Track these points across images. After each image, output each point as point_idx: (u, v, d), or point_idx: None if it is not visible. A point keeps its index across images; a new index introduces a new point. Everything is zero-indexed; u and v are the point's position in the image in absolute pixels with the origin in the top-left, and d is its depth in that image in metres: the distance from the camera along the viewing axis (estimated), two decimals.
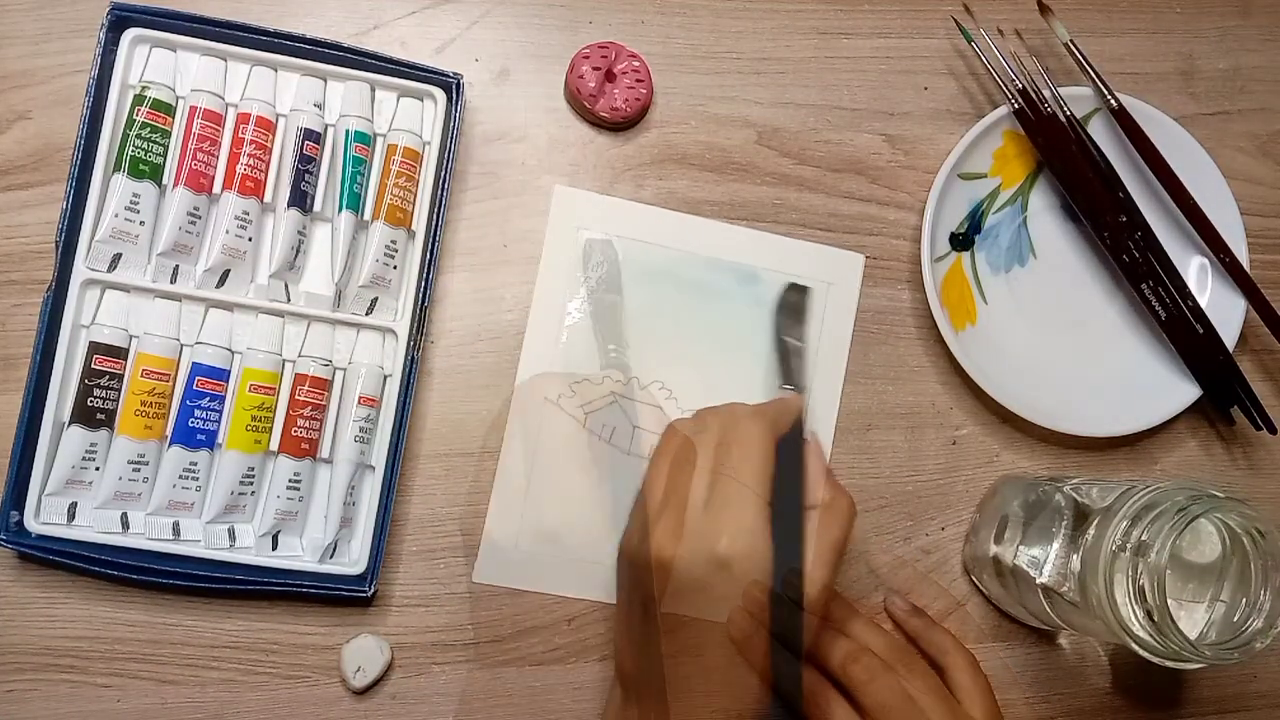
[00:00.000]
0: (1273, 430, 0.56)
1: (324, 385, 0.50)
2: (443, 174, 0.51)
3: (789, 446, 0.43)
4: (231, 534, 0.49)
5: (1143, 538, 0.42)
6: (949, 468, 0.56)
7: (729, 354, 0.55)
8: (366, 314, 0.51)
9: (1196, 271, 0.58)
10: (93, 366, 0.48)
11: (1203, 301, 0.56)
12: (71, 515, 0.48)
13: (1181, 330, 0.56)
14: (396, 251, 0.51)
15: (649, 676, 0.41)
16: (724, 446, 0.41)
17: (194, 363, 0.49)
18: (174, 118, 0.50)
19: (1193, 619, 0.45)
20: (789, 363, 0.47)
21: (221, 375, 0.49)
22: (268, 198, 0.50)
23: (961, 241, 0.57)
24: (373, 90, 0.52)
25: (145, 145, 0.49)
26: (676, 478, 0.42)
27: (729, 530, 0.39)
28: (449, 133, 0.52)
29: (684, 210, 0.55)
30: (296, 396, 0.49)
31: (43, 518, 0.47)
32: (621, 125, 0.55)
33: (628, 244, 0.55)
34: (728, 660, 0.40)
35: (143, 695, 0.49)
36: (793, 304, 0.50)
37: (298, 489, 0.49)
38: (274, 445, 0.49)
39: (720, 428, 0.42)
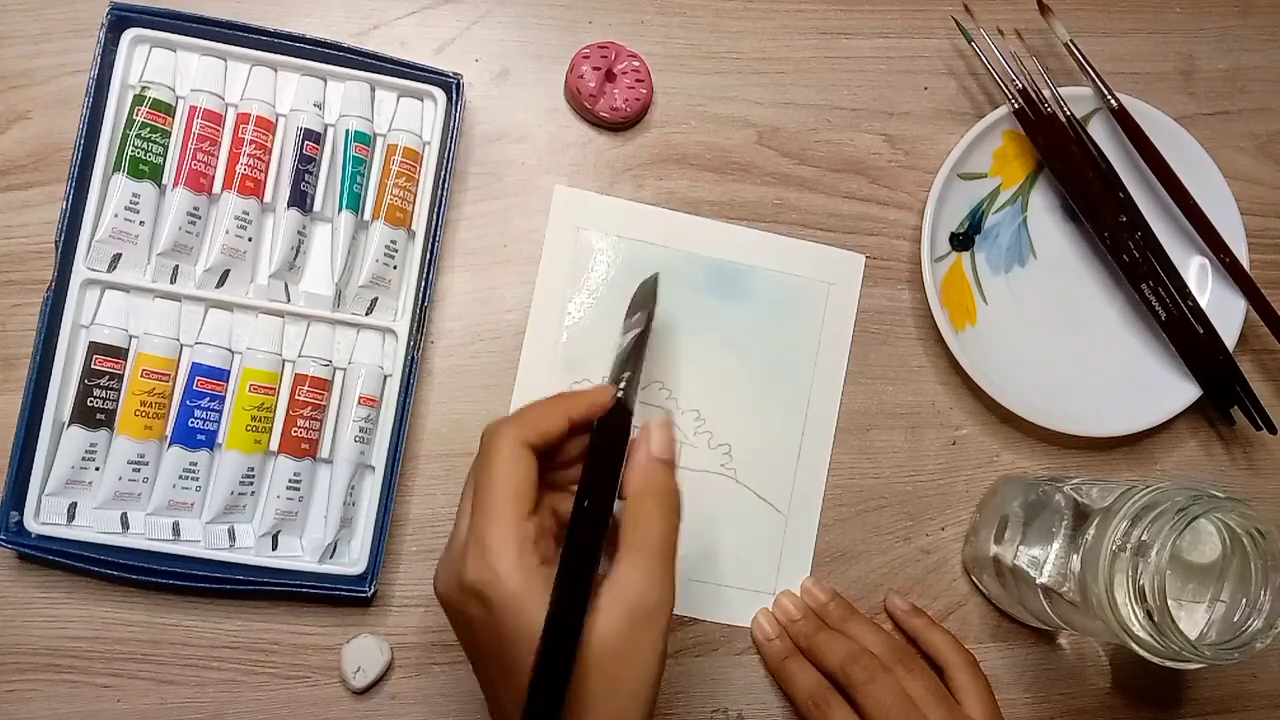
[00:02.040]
0: (1273, 430, 0.56)
1: (324, 385, 0.50)
2: (443, 174, 0.51)
3: (598, 442, 0.38)
4: (231, 534, 0.49)
5: (1143, 538, 0.42)
6: (949, 468, 0.56)
7: (729, 354, 0.55)
8: (366, 314, 0.51)
9: (1196, 271, 0.58)
10: (93, 366, 0.48)
11: (1203, 301, 0.56)
12: (71, 515, 0.48)
13: (1181, 330, 0.56)
14: (396, 251, 0.51)
15: (489, 704, 0.40)
16: (477, 465, 0.38)
17: (194, 363, 0.49)
18: (174, 118, 0.50)
19: (1193, 619, 0.45)
20: (624, 359, 0.41)
21: (221, 375, 0.49)
22: (268, 198, 0.50)
23: (961, 241, 0.57)
24: (373, 90, 0.52)
25: (145, 145, 0.49)
26: (460, 506, 0.39)
27: (472, 556, 0.36)
28: (449, 133, 0.52)
29: (684, 210, 0.55)
30: (296, 396, 0.49)
31: (43, 518, 0.47)
32: (621, 125, 0.55)
33: (628, 244, 0.55)
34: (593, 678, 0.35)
35: (143, 695, 0.49)
36: (647, 296, 0.45)
37: (298, 489, 0.49)
38: (274, 445, 0.49)
39: (481, 444, 0.38)
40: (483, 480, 0.37)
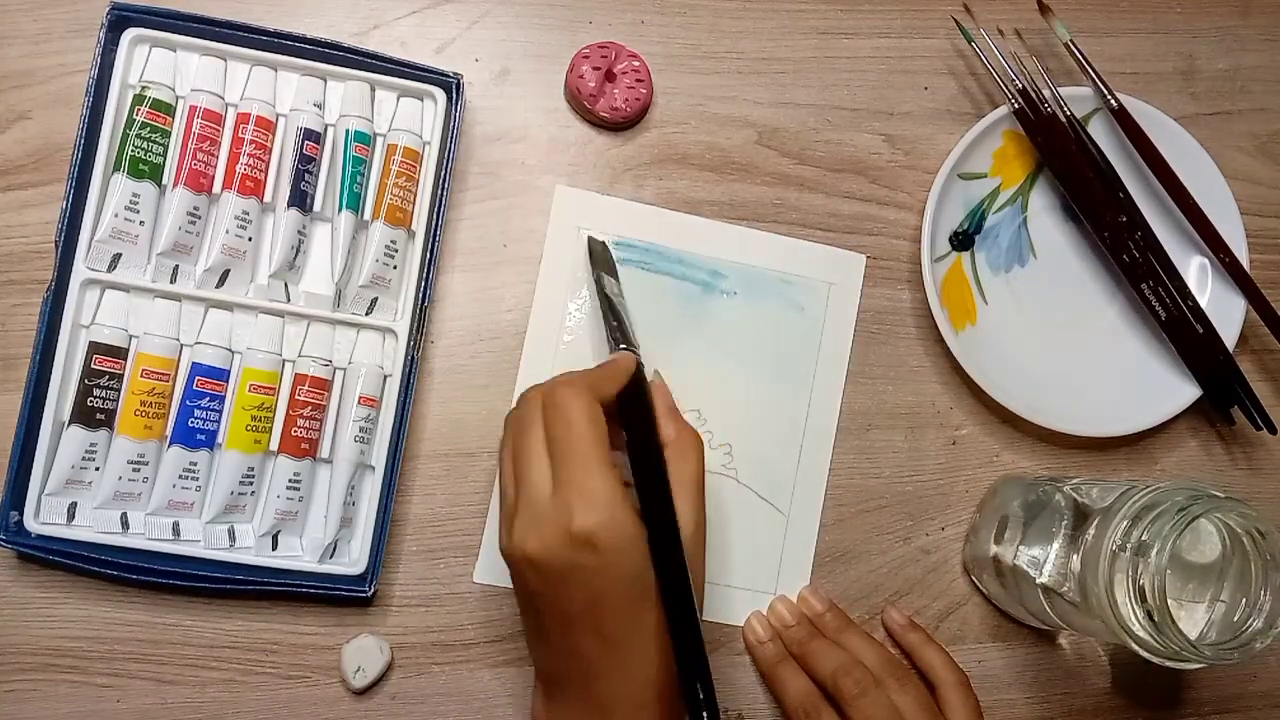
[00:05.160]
0: (1273, 430, 0.56)
1: (324, 385, 0.50)
2: (443, 174, 0.51)
3: (631, 401, 0.42)
4: (231, 534, 0.49)
5: (1143, 538, 0.42)
6: (949, 468, 0.56)
7: (729, 354, 0.55)
8: (366, 314, 0.51)
9: (1196, 271, 0.58)
10: (92, 366, 0.48)
11: (1203, 301, 0.56)
12: (71, 515, 0.48)
13: (1181, 330, 0.56)
14: (396, 251, 0.51)
15: (563, 669, 0.41)
16: (549, 422, 0.40)
17: (194, 363, 0.49)
18: (174, 117, 0.50)
19: (1193, 619, 0.45)
20: (615, 320, 0.46)
21: (221, 375, 0.49)
22: (268, 197, 0.50)
23: (961, 241, 0.57)
24: (373, 90, 0.52)
25: (145, 145, 0.49)
26: (519, 468, 0.40)
27: (579, 505, 0.38)
28: (449, 133, 0.52)
29: (684, 210, 0.55)
30: (296, 396, 0.49)
31: (43, 518, 0.47)
32: (621, 125, 0.55)
33: (628, 244, 0.55)
34: (634, 634, 0.39)
35: (143, 695, 0.49)
36: (603, 256, 0.50)
37: (298, 489, 0.49)
38: (274, 445, 0.49)
39: (540, 404, 0.41)
40: (564, 434, 0.39)
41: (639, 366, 0.44)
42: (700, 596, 0.41)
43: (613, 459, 0.40)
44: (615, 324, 0.46)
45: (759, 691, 0.53)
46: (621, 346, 0.45)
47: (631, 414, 0.42)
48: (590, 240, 0.52)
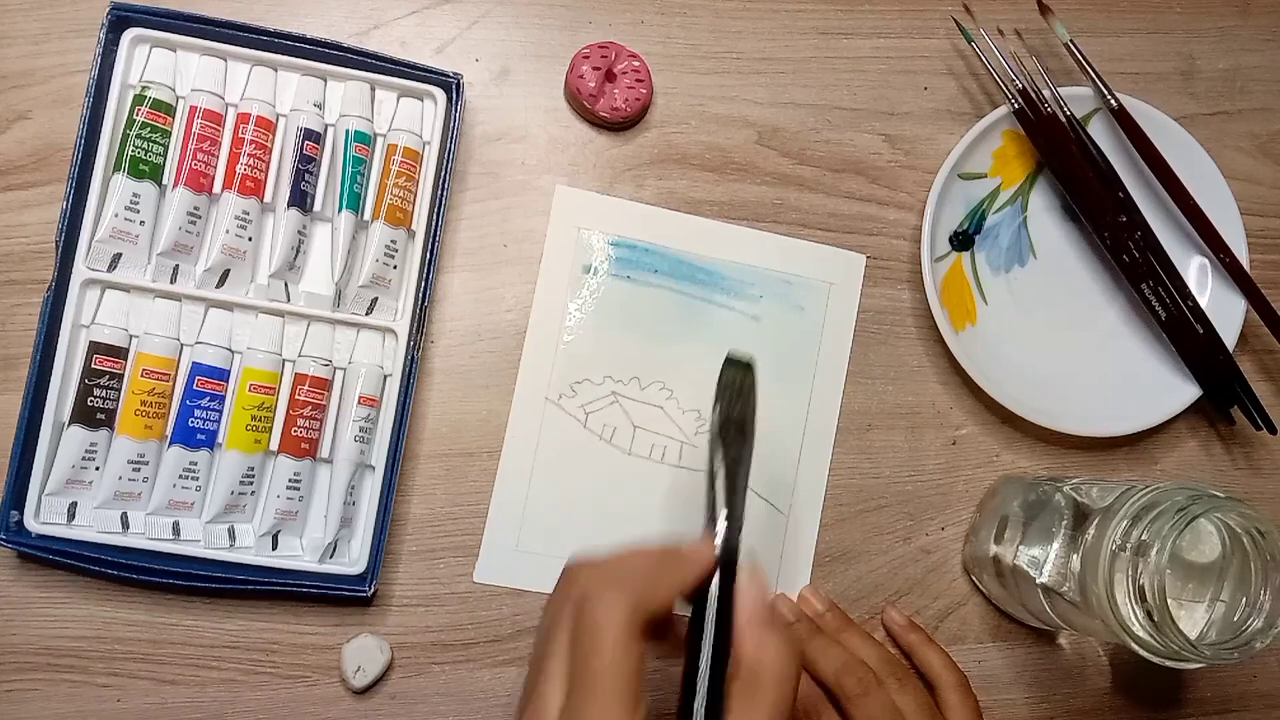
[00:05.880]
0: (1273, 430, 0.56)
1: (324, 385, 0.50)
2: (443, 174, 0.51)
3: (704, 602, 0.34)
4: (231, 534, 0.49)
5: (1143, 538, 0.42)
6: (949, 468, 0.56)
7: None
8: (366, 314, 0.51)
9: (1196, 271, 0.58)
10: (93, 366, 0.48)
11: (1203, 301, 0.56)
12: (71, 515, 0.48)
13: (1181, 330, 0.56)
14: (396, 251, 0.51)
15: None
16: (575, 638, 0.33)
17: (194, 362, 0.49)
18: (174, 117, 0.50)
19: (1193, 619, 0.45)
20: (726, 488, 0.36)
21: (221, 375, 0.49)
22: (268, 198, 0.50)
23: (961, 241, 0.57)
24: (373, 90, 0.52)
25: (145, 145, 0.49)
26: (533, 678, 0.35)
27: None
28: (449, 133, 0.52)
29: (684, 210, 0.55)
30: (296, 396, 0.49)
31: (43, 517, 0.47)
32: (621, 125, 0.55)
33: (629, 244, 0.55)
34: None
35: (143, 695, 0.49)
36: (739, 386, 0.38)
37: (298, 489, 0.49)
38: (274, 445, 0.49)
39: (576, 605, 0.34)
40: (585, 662, 0.33)
41: (725, 564, 0.35)
42: None
43: (644, 696, 0.33)
44: (724, 493, 0.36)
45: None
46: (715, 524, 0.36)
47: (698, 620, 0.34)
48: (730, 361, 0.40)
